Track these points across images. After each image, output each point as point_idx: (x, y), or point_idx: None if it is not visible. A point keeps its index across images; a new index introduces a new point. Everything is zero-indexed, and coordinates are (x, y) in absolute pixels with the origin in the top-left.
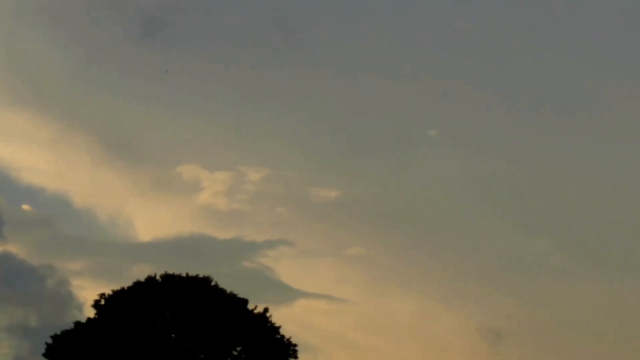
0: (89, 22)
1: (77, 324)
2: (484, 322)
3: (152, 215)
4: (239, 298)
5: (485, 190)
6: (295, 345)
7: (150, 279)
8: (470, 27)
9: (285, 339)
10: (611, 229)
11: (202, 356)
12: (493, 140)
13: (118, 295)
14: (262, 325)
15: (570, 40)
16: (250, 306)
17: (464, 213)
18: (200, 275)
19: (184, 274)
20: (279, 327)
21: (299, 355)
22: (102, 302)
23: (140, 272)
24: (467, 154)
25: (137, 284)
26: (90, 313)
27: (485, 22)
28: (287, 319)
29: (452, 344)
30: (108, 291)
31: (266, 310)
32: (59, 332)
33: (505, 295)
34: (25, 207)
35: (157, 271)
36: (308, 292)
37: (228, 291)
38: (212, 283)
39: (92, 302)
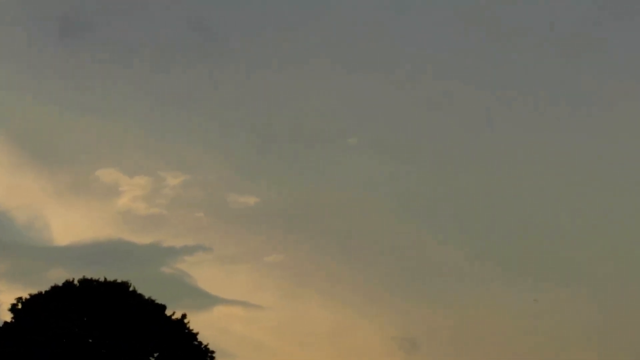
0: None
1: None
2: (400, 330)
3: (70, 218)
4: (157, 304)
5: (403, 197)
6: (212, 351)
7: (68, 284)
8: (393, 32)
9: (202, 345)
10: (526, 236)
11: None
12: (411, 146)
13: (35, 299)
14: (180, 331)
15: (481, 44)
16: (168, 312)
17: (381, 220)
18: (119, 280)
19: (102, 279)
20: (196, 333)
21: None
22: (19, 306)
23: (57, 276)
24: (386, 161)
25: (55, 288)
26: (7, 317)
27: (404, 30)
28: (204, 325)
29: (368, 351)
30: (25, 295)
31: (184, 316)
32: None
33: (422, 303)
34: None
35: (75, 275)
36: (226, 299)
37: (146, 296)
38: (131, 288)
39: (9, 306)
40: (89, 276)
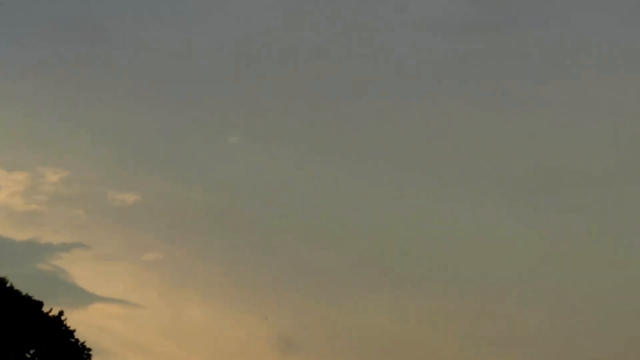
0: None
1: None
2: (276, 331)
3: None
4: (34, 300)
5: (283, 198)
6: (89, 349)
7: None
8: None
9: (79, 343)
10: (402, 241)
11: None
12: (291, 146)
13: None
14: (57, 328)
15: (354, 45)
16: (45, 309)
17: (260, 221)
18: None
19: None
20: (73, 331)
21: (93, 359)
22: None
23: None
24: (268, 160)
25: None
26: None
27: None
28: (81, 323)
29: (245, 351)
30: None
31: (61, 313)
32: None
33: (298, 305)
34: None
35: None
36: (103, 297)
37: (23, 293)
38: (7, 284)
39: None
40: None
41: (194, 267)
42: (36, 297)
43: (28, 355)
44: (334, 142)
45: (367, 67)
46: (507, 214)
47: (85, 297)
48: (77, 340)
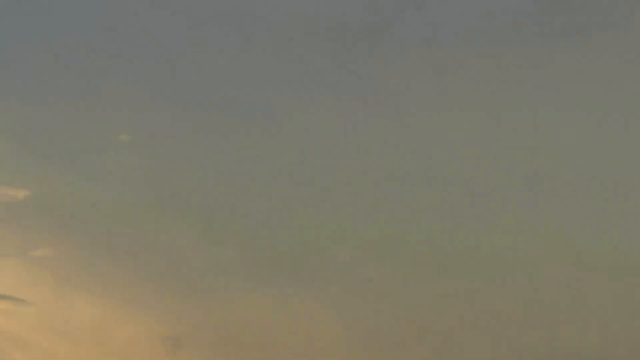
0: None
1: None
2: (166, 330)
3: None
4: None
5: (172, 197)
6: None
7: None
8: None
9: None
10: (287, 238)
11: None
12: (180, 143)
13: None
14: None
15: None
16: None
17: (149, 219)
18: None
19: None
20: None
21: None
22: None
23: None
24: (157, 159)
25: None
26: None
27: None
28: None
29: (133, 350)
30: None
31: None
32: None
33: (188, 303)
34: None
35: None
36: None
37: None
38: None
39: None
40: None
41: (83, 264)
42: None
43: None
44: (221, 138)
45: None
46: None
47: None
48: None
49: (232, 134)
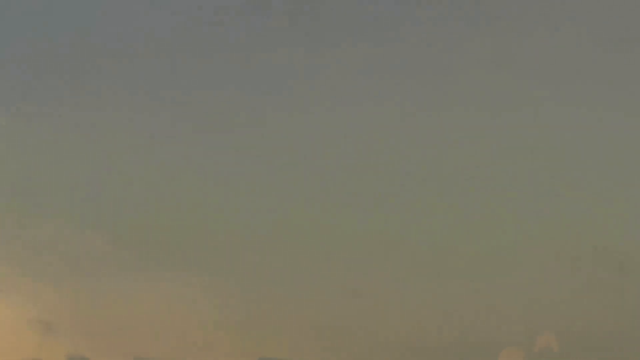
0: None
1: None
2: (36, 314)
3: None
4: None
5: (50, 186)
6: None
7: None
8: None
9: None
10: (173, 228)
11: None
12: (49, 124)
13: None
14: None
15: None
16: None
17: (28, 209)
18: None
19: None
20: None
21: None
22: None
23: None
24: (29, 139)
25: None
26: None
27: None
28: None
29: (3, 332)
30: None
31: None
32: None
33: (61, 288)
34: None
35: None
36: None
37: None
38: None
39: None
40: None
41: None
42: None
43: None
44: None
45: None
46: None
47: None
48: None
49: None
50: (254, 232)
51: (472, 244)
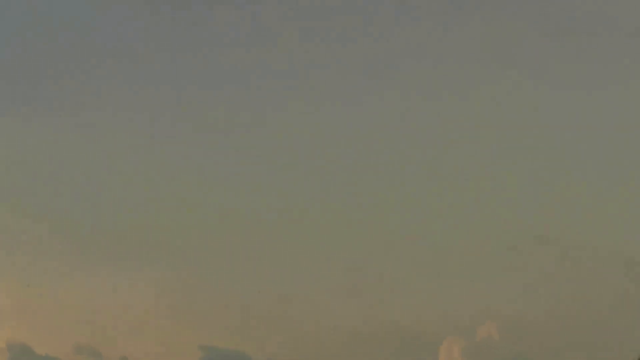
0: None
1: None
2: None
3: None
4: None
5: None
6: None
7: None
8: None
9: None
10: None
11: None
12: None
13: None
14: None
15: None
16: None
17: None
18: None
19: None
20: None
21: None
22: None
23: None
24: None
25: None
26: None
27: None
28: None
29: None
30: None
31: None
32: None
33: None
34: None
35: None
36: None
37: None
38: None
39: None
40: None
41: None
42: None
43: None
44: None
45: None
46: None
47: None
48: None
49: None
50: (197, 225)
51: (417, 237)
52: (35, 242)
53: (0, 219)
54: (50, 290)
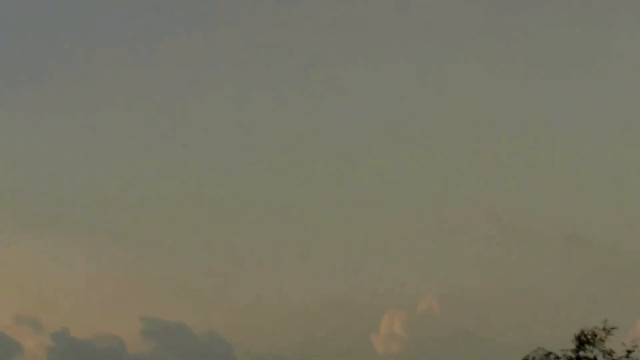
0: None
1: None
2: None
3: None
4: None
5: None
6: None
7: None
8: None
9: None
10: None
11: None
12: None
13: None
14: None
15: None
16: None
17: None
18: None
19: None
20: None
21: None
22: None
23: None
24: None
25: None
26: None
27: None
28: None
29: None
30: None
31: None
32: None
33: None
34: None
35: None
36: None
37: None
38: None
39: None
40: None
41: None
42: None
43: None
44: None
45: None
46: None
47: None
48: None
49: None
50: (147, 205)
51: (363, 217)
52: None
53: None
54: None
